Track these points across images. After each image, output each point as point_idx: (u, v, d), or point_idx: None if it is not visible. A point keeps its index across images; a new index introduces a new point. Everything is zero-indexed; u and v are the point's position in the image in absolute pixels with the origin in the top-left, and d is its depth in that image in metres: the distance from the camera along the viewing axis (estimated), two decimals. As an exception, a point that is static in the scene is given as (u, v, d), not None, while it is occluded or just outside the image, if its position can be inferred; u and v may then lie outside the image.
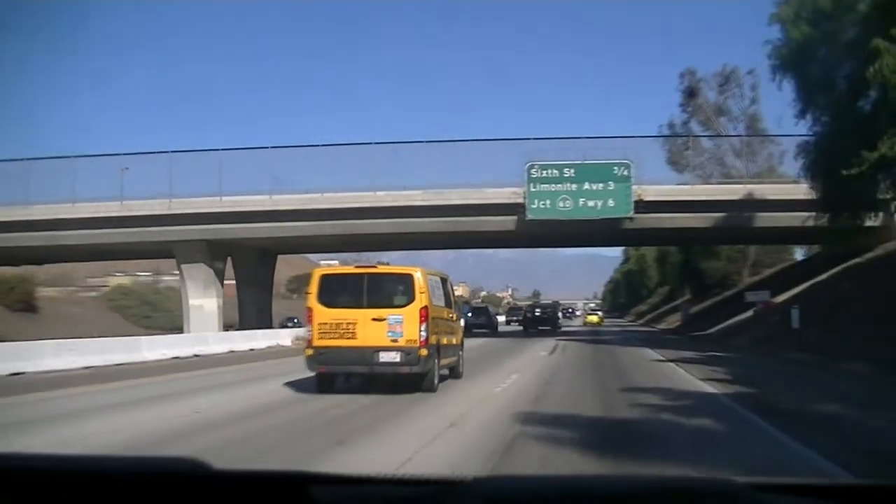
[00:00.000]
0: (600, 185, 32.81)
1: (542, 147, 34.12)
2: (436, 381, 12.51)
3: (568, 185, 32.94)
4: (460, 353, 15.09)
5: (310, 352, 12.14)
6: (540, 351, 24.78)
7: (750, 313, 34.93)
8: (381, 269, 14.44)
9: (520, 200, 32.89)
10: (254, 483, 1.59)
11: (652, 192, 33.31)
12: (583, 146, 33.78)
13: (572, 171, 33.04)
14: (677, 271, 62.16)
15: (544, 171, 33.03)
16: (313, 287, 12.34)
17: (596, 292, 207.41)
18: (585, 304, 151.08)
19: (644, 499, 1.44)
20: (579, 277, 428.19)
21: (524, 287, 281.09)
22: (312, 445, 8.03)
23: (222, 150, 35.88)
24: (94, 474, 1.63)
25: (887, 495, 1.50)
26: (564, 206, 32.80)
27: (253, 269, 41.31)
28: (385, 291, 12.55)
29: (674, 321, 54.50)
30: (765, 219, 33.20)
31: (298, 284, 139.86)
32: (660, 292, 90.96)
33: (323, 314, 12.11)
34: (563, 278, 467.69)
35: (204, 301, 36.04)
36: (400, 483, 1.64)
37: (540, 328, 45.70)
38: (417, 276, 12.30)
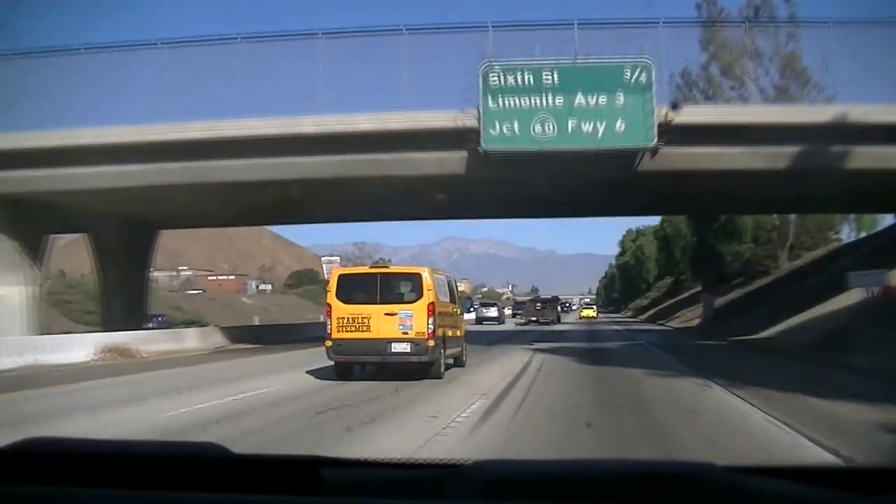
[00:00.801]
0: (602, 99, 17.89)
1: (507, 39, 19.01)
2: (442, 370, 12.40)
3: (549, 98, 18.00)
4: (463, 344, 15.00)
5: (329, 343, 12.18)
6: (472, 396, 9.77)
7: (827, 308, 20.02)
8: (393, 268, 14.50)
9: (471, 124, 17.96)
10: (270, 466, 1.57)
11: (688, 112, 18.30)
12: (571, 40, 18.65)
13: (555, 75, 18.06)
14: (689, 257, 46.68)
15: (510, 77, 18.11)
16: (332, 285, 12.64)
17: (590, 288, 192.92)
18: (581, 299, 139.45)
19: (628, 481, 1.39)
20: (575, 275, 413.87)
21: (523, 283, 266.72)
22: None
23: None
24: (126, 456, 1.62)
25: (861, 477, 1.48)
26: (543, 133, 17.86)
27: (117, 249, 26.53)
28: (396, 289, 12.60)
29: (689, 318, 39.22)
30: (866, 156, 18.15)
31: (297, 280, 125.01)
32: (660, 286, 75.55)
33: (341, 310, 12.23)
34: (560, 276, 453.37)
35: (4, 289, 21.22)
36: (405, 467, 1.61)
37: (541, 321, 43.27)
38: (425, 274, 12.48)
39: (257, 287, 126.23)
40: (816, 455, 5.96)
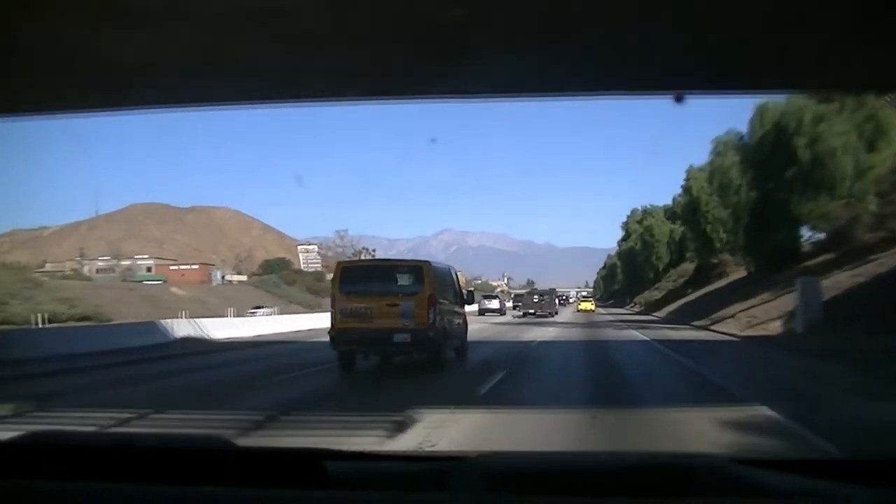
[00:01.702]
0: None
1: None
2: (443, 360, 12.54)
3: None
4: (464, 336, 14.86)
5: (333, 333, 12.22)
6: None
7: None
8: (395, 262, 14.77)
9: None
10: (274, 459, 1.56)
11: None
12: None
13: None
14: (744, 224, 29.89)
15: None
16: (336, 277, 12.79)
17: (588, 281, 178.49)
18: (578, 291, 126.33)
19: (634, 473, 1.38)
20: (572, 268, 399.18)
21: (520, 276, 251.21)
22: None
23: None
24: (130, 449, 1.60)
25: (866, 469, 1.42)
26: None
27: None
28: (398, 281, 12.65)
29: (760, 319, 22.69)
30: None
31: (269, 269, 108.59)
32: (675, 273, 59.25)
33: (344, 301, 12.27)
34: (558, 269, 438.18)
35: None
36: (409, 459, 1.61)
37: (539, 313, 41.97)
38: (426, 267, 12.56)
39: (223, 277, 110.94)
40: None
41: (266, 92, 7.96)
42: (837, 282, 20.67)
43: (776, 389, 9.01)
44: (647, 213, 73.84)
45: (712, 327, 25.37)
